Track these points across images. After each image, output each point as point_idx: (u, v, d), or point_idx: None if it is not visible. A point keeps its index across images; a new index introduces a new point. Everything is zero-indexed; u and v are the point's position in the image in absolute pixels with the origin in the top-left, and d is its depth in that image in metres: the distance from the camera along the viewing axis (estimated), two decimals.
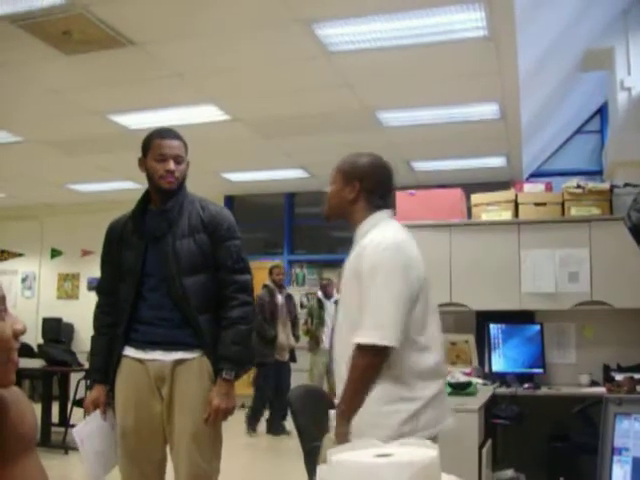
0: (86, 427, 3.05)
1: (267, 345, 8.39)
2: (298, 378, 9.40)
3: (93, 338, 3.20)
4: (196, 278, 2.94)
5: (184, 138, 3.10)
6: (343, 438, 2.38)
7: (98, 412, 3.01)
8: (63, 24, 5.04)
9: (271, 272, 8.78)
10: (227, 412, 2.90)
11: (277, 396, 8.57)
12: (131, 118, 7.39)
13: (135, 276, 2.98)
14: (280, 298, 8.71)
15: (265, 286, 8.69)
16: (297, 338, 9.00)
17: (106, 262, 3.15)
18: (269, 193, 11.29)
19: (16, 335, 1.36)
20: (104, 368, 3.04)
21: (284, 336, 8.61)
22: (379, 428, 2.40)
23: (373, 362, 2.42)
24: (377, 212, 2.66)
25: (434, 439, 2.42)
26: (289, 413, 8.11)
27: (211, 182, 10.43)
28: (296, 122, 7.53)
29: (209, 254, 2.98)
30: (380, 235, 2.55)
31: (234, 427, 8.93)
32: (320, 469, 1.16)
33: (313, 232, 11.28)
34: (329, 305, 9.05)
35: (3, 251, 12.84)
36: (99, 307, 3.19)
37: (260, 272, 9.37)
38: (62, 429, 7.39)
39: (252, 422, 8.60)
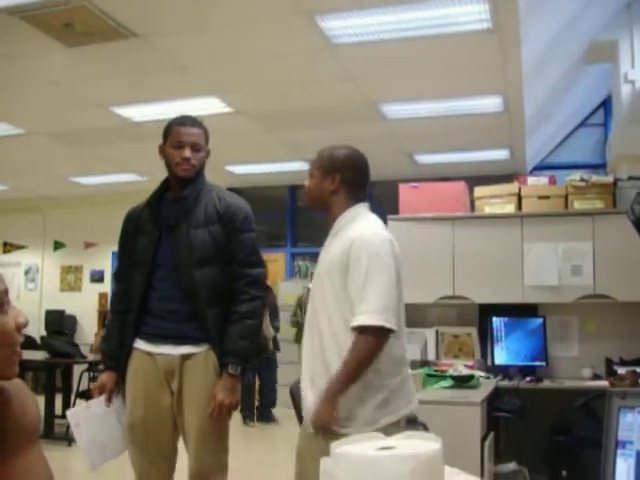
0: (85, 412, 3.05)
1: None
2: (288, 370, 9.60)
3: (107, 322, 3.24)
4: (207, 270, 2.91)
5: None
6: (328, 420, 2.46)
7: (102, 398, 3.00)
8: (65, 16, 5.03)
9: None
10: (231, 407, 2.88)
11: (262, 387, 8.99)
12: (134, 110, 7.38)
13: (146, 265, 2.97)
14: None
15: None
16: (276, 329, 9.23)
17: (122, 249, 3.15)
18: (272, 186, 11.28)
19: (19, 328, 1.37)
20: (115, 354, 3.03)
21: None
22: (355, 414, 2.49)
23: (378, 345, 2.48)
24: (356, 205, 2.72)
25: (400, 422, 2.56)
26: (288, 405, 8.25)
27: (214, 175, 10.34)
28: (299, 115, 7.52)
29: (222, 246, 2.94)
30: (368, 226, 2.64)
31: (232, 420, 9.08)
32: (323, 462, 1.16)
33: (316, 224, 11.25)
34: None
35: (6, 243, 12.86)
36: (114, 294, 3.22)
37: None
38: (65, 421, 7.40)
39: (246, 415, 8.82)
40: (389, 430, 2.40)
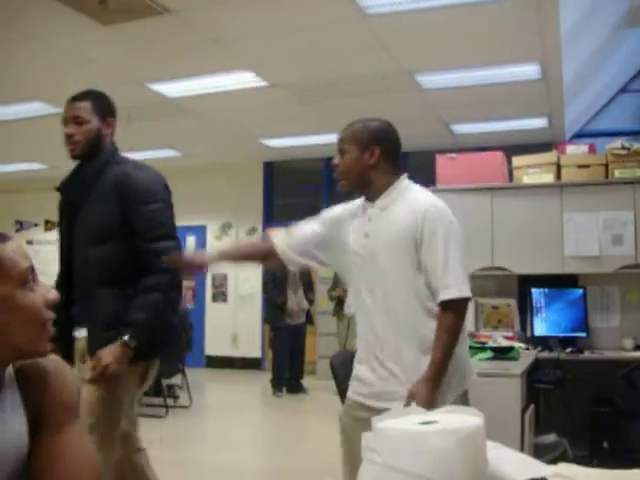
0: None
1: (278, 310, 8.92)
2: (326, 342, 9.75)
3: None
4: (100, 248, 2.79)
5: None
6: (431, 400, 2.42)
7: None
8: None
9: None
10: (110, 372, 2.69)
11: (292, 357, 9.10)
12: (170, 86, 7.41)
13: (64, 247, 2.95)
14: None
15: None
16: (310, 302, 9.40)
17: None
18: (308, 158, 11.25)
19: (48, 304, 1.38)
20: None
21: (294, 301, 9.06)
22: (450, 385, 2.50)
23: (464, 315, 2.54)
24: (402, 175, 2.70)
25: (467, 392, 2.61)
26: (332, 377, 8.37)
27: (250, 149, 10.44)
28: (334, 86, 7.47)
29: (118, 222, 2.80)
30: (432, 198, 2.63)
31: (261, 390, 9.32)
32: (365, 437, 1.17)
33: (353, 197, 11.22)
34: None
35: (47, 221, 13.03)
36: None
37: None
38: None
39: (275, 384, 9.02)
40: (461, 399, 2.45)
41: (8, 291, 1.32)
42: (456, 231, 2.55)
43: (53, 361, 1.45)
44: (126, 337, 2.71)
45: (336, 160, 2.73)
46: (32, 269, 1.38)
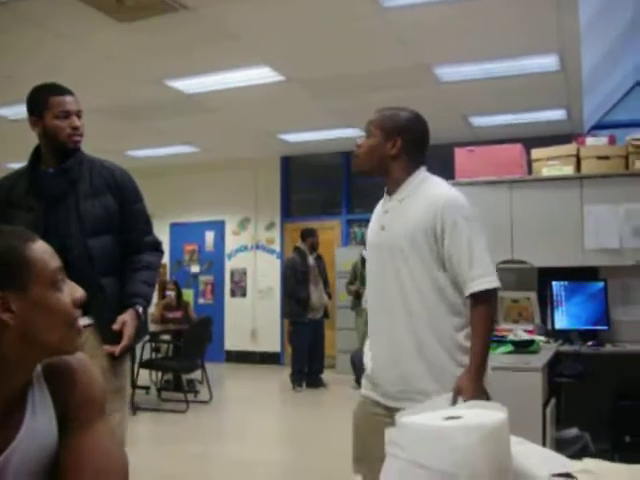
0: None
1: (300, 306, 8.94)
2: (344, 337, 9.78)
3: None
4: (100, 239, 2.89)
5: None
6: (480, 394, 2.41)
7: None
8: None
9: (311, 236, 9.16)
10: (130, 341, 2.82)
11: (312, 352, 9.14)
12: (187, 83, 7.43)
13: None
14: (311, 260, 9.17)
15: (297, 249, 9.08)
16: (329, 296, 9.45)
17: None
18: (326, 153, 11.25)
19: (76, 303, 1.39)
20: None
21: (316, 296, 9.10)
22: (453, 378, 2.46)
23: (495, 305, 2.55)
24: (421, 168, 2.66)
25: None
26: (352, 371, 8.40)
27: (267, 144, 10.45)
28: (351, 80, 7.46)
29: (115, 217, 2.95)
30: (450, 189, 2.59)
31: (281, 385, 9.37)
32: (389, 432, 1.16)
33: (371, 191, 11.20)
34: None
35: None
36: None
37: (320, 233, 9.59)
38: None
39: (296, 379, 9.09)
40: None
41: (40, 293, 1.33)
42: (477, 223, 2.52)
43: (78, 358, 1.46)
44: (140, 309, 2.89)
45: (360, 140, 2.70)
46: (61, 269, 1.38)
